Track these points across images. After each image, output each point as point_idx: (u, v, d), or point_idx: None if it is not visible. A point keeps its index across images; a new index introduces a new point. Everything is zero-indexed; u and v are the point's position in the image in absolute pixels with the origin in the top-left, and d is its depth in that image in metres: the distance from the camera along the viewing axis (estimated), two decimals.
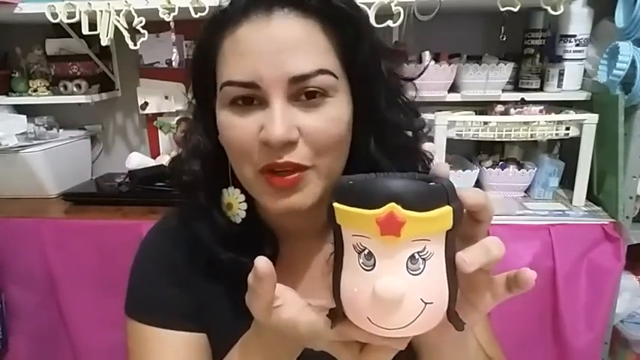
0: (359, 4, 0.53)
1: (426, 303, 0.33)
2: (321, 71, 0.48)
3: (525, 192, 1.38)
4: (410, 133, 0.56)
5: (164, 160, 1.55)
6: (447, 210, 0.32)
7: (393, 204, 0.31)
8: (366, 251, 0.33)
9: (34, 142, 1.46)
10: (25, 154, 1.42)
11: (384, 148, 0.54)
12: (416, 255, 0.32)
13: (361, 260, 0.33)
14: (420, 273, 0.33)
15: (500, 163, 1.40)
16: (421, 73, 0.60)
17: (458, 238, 0.36)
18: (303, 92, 0.48)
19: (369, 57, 0.51)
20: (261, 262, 0.39)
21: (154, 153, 1.70)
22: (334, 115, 0.49)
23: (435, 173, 0.37)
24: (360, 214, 0.32)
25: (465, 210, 0.35)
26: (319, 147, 0.49)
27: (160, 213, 0.67)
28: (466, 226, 0.37)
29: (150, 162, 1.53)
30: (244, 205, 0.56)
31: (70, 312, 1.32)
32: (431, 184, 0.33)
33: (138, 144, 1.75)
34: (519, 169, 1.35)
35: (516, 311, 1.15)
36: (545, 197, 1.35)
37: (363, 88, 0.52)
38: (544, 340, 1.20)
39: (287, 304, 0.42)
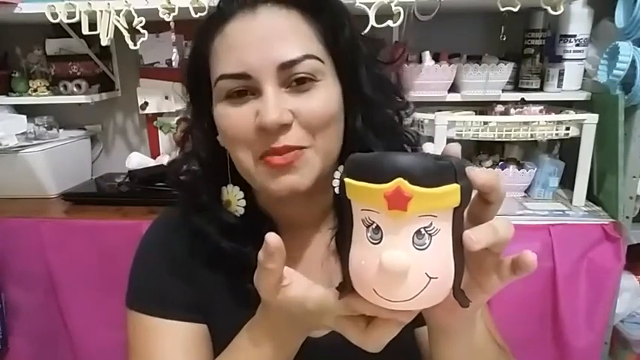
0: None
1: (430, 277, 0.34)
2: (308, 56, 0.50)
3: (525, 192, 1.38)
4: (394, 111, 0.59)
5: (164, 160, 1.55)
6: (454, 187, 0.33)
7: (400, 179, 0.32)
8: (374, 225, 0.34)
9: (34, 142, 1.46)
10: (25, 154, 1.42)
11: (370, 125, 0.56)
12: (422, 230, 0.33)
13: (369, 234, 0.34)
14: (425, 248, 0.33)
15: (500, 163, 1.40)
16: (398, 58, 0.63)
17: (467, 218, 0.36)
18: (293, 78, 0.51)
19: (350, 41, 0.54)
20: (272, 237, 0.40)
21: (154, 153, 1.70)
22: (324, 96, 0.52)
23: (446, 153, 0.38)
24: (368, 189, 0.33)
25: (475, 190, 0.36)
26: (313, 127, 0.51)
27: (163, 211, 0.68)
28: (476, 207, 0.37)
29: (150, 162, 1.53)
30: (243, 202, 0.58)
31: (70, 312, 1.32)
32: (439, 160, 0.34)
33: (138, 144, 1.75)
34: (519, 169, 1.35)
35: (516, 311, 1.15)
36: (545, 197, 1.35)
37: (347, 68, 0.55)
38: (544, 341, 1.20)
39: (294, 282, 0.43)
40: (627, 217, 1.21)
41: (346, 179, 0.35)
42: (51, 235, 1.29)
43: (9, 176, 1.44)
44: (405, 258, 0.33)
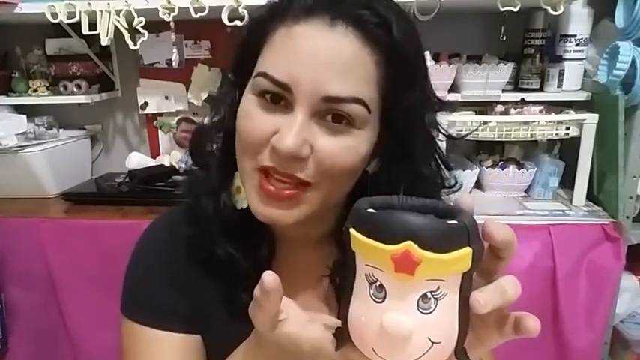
0: (423, 50, 0.51)
1: (433, 342, 0.32)
2: (357, 100, 0.46)
3: (525, 192, 1.38)
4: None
5: (164, 160, 1.55)
6: (466, 251, 0.31)
7: (410, 242, 0.30)
8: (377, 283, 0.33)
9: (34, 142, 1.45)
10: (25, 154, 1.42)
11: (400, 182, 0.51)
12: (428, 294, 0.32)
13: (372, 291, 0.33)
14: (430, 312, 0.32)
15: (500, 163, 1.40)
16: (467, 134, 0.58)
17: (475, 273, 0.35)
18: (331, 114, 0.46)
19: (415, 104, 0.49)
20: (269, 276, 0.38)
21: (154, 153, 1.70)
22: (352, 147, 0.47)
23: (458, 205, 0.35)
24: (375, 247, 0.31)
25: (487, 245, 0.34)
26: (326, 171, 0.47)
27: (160, 213, 0.67)
28: (486, 261, 0.35)
29: (150, 162, 1.53)
30: None
31: (70, 312, 1.32)
32: (452, 222, 0.32)
33: (138, 144, 1.74)
34: (519, 169, 1.35)
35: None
36: (545, 197, 1.35)
37: (398, 132, 0.50)
38: (544, 340, 1.20)
39: (291, 317, 0.41)
40: (627, 217, 1.21)
41: (352, 230, 0.33)
42: (51, 235, 1.29)
43: (9, 176, 1.44)
44: (409, 323, 0.31)
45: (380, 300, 0.33)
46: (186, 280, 0.58)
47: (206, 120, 0.57)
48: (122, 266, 0.64)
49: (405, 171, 0.51)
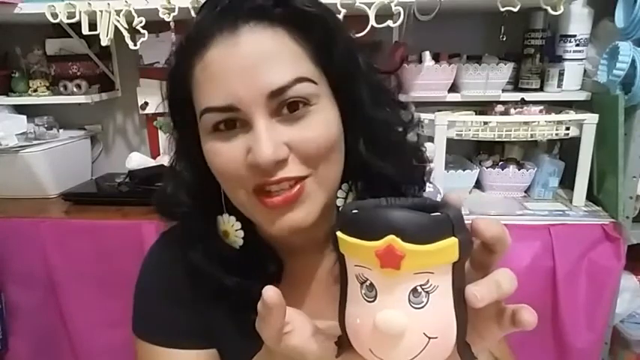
0: (324, 3, 0.51)
1: (429, 338, 0.32)
2: (299, 79, 0.46)
3: (525, 192, 1.38)
4: (399, 128, 0.54)
5: (164, 160, 1.55)
6: (451, 242, 0.31)
7: (392, 236, 0.30)
8: (367, 282, 0.33)
9: (34, 142, 1.46)
10: (25, 154, 1.42)
11: (374, 147, 0.52)
12: (418, 288, 0.31)
13: (363, 291, 0.33)
14: (423, 307, 0.32)
15: (500, 163, 1.40)
16: (398, 67, 0.58)
17: (470, 266, 0.34)
18: (285, 105, 0.46)
19: (346, 55, 0.49)
20: (270, 292, 0.37)
21: (154, 153, 1.70)
22: (321, 122, 0.48)
23: (446, 201, 0.36)
24: (360, 246, 0.31)
25: (474, 242, 0.34)
26: (312, 158, 0.47)
27: (164, 230, 0.65)
28: (479, 255, 0.36)
29: (150, 162, 1.53)
30: (241, 233, 0.54)
31: (70, 312, 1.32)
32: (435, 214, 0.32)
33: (138, 144, 1.75)
34: (519, 169, 1.35)
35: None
36: (545, 197, 1.35)
37: (345, 88, 0.50)
38: (544, 340, 1.20)
39: (296, 329, 0.41)
40: (627, 217, 1.21)
41: (338, 233, 0.34)
42: (51, 235, 1.29)
43: (9, 176, 1.44)
44: (401, 319, 0.31)
45: (371, 299, 0.32)
46: (195, 301, 0.58)
47: (165, 185, 0.56)
48: (122, 266, 0.63)
49: (364, 122, 0.51)
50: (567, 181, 1.35)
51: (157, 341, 0.58)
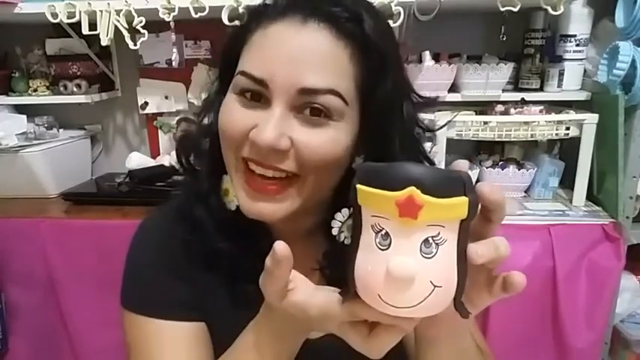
0: (395, 42, 0.53)
1: (435, 286, 0.34)
2: (331, 91, 0.48)
3: (525, 192, 1.38)
4: None
5: (164, 160, 1.55)
6: (463, 200, 0.34)
7: (413, 188, 0.32)
8: (383, 231, 0.35)
9: (34, 142, 1.46)
10: (25, 154, 1.42)
11: None
12: (430, 239, 0.34)
13: (378, 240, 0.35)
14: (432, 257, 0.34)
15: (500, 163, 1.40)
16: (443, 126, 0.60)
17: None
18: (309, 107, 0.48)
19: (389, 96, 0.50)
20: (280, 246, 0.40)
21: (154, 153, 1.70)
22: (332, 139, 0.49)
23: (455, 168, 0.38)
24: (381, 195, 0.34)
25: (479, 206, 0.36)
26: (306, 162, 0.49)
27: (155, 208, 0.67)
28: (477, 225, 0.38)
29: (150, 162, 1.53)
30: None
31: (70, 312, 1.32)
32: (450, 174, 0.35)
33: (138, 144, 1.75)
34: (519, 169, 1.35)
35: (516, 311, 1.15)
36: (545, 197, 1.35)
37: (376, 123, 0.51)
38: (544, 340, 1.20)
39: (298, 287, 0.43)
40: (627, 217, 1.21)
41: (358, 185, 0.36)
42: (51, 235, 1.29)
43: (9, 176, 1.44)
44: (413, 265, 0.33)
45: (385, 247, 0.35)
46: (187, 272, 0.59)
47: (193, 126, 0.60)
48: (122, 266, 0.64)
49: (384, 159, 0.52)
50: (567, 181, 1.35)
51: (147, 312, 0.58)
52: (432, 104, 0.58)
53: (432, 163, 0.58)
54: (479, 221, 0.38)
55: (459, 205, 0.34)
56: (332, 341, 0.44)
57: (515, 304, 1.15)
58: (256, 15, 0.51)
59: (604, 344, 1.25)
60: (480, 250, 0.35)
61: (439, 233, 0.34)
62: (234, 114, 0.50)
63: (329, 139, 0.49)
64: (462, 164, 0.38)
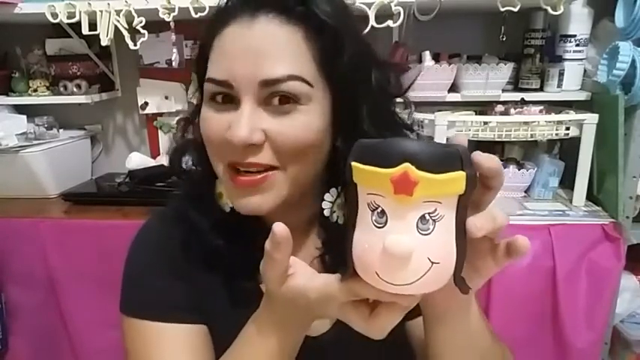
0: (349, 15, 0.53)
1: (432, 262, 0.34)
2: (293, 77, 0.48)
3: (525, 192, 1.38)
4: None
5: (164, 160, 1.55)
6: (459, 175, 0.33)
7: (407, 164, 0.32)
8: (379, 209, 0.34)
9: (34, 142, 1.46)
10: (25, 154, 1.42)
11: None
12: (426, 216, 0.34)
13: (374, 218, 0.35)
14: (429, 233, 0.34)
15: (501, 163, 1.39)
16: (408, 88, 0.60)
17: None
18: (276, 97, 0.49)
19: (351, 69, 0.51)
20: (279, 227, 0.40)
21: (154, 153, 1.70)
22: (303, 123, 0.50)
23: (452, 142, 0.38)
24: (375, 173, 0.33)
25: (478, 178, 0.36)
26: (284, 152, 0.50)
27: (153, 212, 0.67)
28: (476, 193, 0.37)
29: (150, 162, 1.53)
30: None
31: (70, 312, 1.32)
32: (446, 148, 0.34)
33: (138, 144, 1.75)
34: (519, 169, 1.35)
35: (516, 311, 1.15)
36: (545, 197, 1.35)
37: (343, 100, 0.52)
38: (544, 340, 1.20)
39: (298, 272, 0.43)
40: (627, 217, 1.21)
41: (353, 163, 0.35)
42: (51, 235, 1.29)
43: (9, 176, 1.44)
44: (409, 242, 0.33)
45: (381, 225, 0.34)
46: (186, 272, 0.59)
47: (179, 137, 0.62)
48: (122, 266, 0.64)
49: (355, 134, 0.51)
50: (567, 181, 1.35)
51: (148, 315, 0.58)
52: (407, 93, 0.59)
53: (411, 130, 0.58)
54: (478, 189, 0.38)
55: (456, 180, 0.33)
56: (332, 339, 0.44)
57: (516, 304, 1.15)
58: (213, 23, 0.53)
59: (604, 344, 1.25)
60: (478, 223, 0.35)
61: (436, 210, 0.33)
62: (210, 121, 0.52)
63: (300, 124, 0.50)
64: (461, 137, 0.38)
